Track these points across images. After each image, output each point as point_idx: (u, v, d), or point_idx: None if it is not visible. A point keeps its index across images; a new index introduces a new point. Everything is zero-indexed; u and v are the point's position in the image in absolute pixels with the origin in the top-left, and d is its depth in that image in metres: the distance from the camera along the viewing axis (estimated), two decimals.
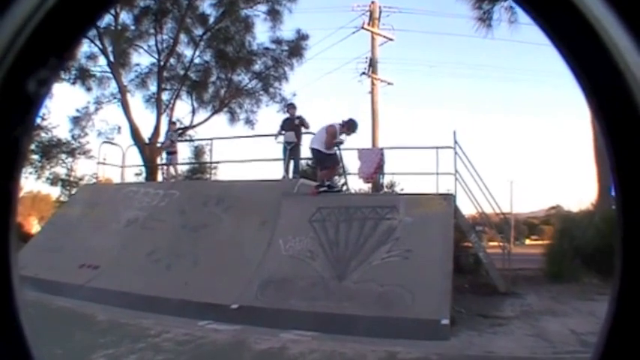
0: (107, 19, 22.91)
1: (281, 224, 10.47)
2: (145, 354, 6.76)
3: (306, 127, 14.23)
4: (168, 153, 17.99)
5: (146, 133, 24.68)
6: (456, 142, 12.98)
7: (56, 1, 0.75)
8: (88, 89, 25.56)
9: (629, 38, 0.73)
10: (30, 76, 0.76)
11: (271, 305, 8.32)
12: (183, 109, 26.19)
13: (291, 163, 14.39)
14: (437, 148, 13.78)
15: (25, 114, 0.77)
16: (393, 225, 9.85)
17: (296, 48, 24.51)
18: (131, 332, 7.87)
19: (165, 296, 9.48)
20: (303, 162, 16.11)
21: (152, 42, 24.83)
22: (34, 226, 28.18)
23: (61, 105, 62.81)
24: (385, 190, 18.29)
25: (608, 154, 0.76)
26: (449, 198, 10.94)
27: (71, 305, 9.67)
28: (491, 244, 15.75)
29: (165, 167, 19.40)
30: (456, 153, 12.86)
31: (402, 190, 19.22)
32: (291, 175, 14.17)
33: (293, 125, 14.25)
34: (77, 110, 25.83)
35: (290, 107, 15.45)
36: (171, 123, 20.33)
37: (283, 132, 14.27)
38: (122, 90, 24.62)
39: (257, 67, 24.85)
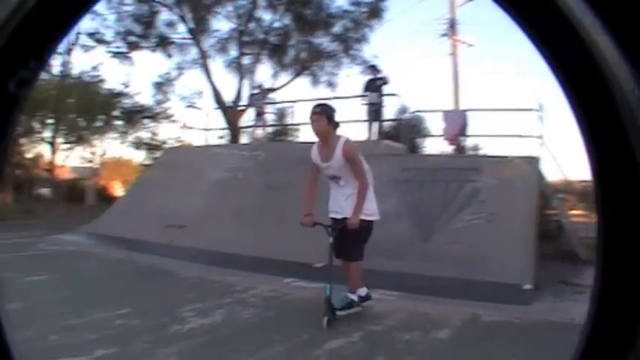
0: None
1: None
2: (232, 308, 6.98)
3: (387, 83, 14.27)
4: (257, 115, 18.19)
5: (228, 97, 25.13)
6: (540, 105, 12.68)
7: (35, 2, 0.75)
8: (169, 56, 26.22)
9: (608, 35, 0.72)
10: (10, 77, 0.75)
11: None
12: (264, 72, 26.40)
13: (375, 125, 14.39)
14: (520, 110, 13.49)
15: (5, 115, 0.77)
16: (477, 187, 9.77)
17: (375, 9, 24.20)
18: (217, 288, 8.14)
19: (250, 254, 9.73)
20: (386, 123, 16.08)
21: (230, 8, 24.97)
22: (117, 190, 29.07)
23: (143, 72, 64.24)
24: (468, 152, 18.11)
25: (587, 152, 0.76)
26: (533, 161, 10.66)
27: (158, 262, 10.02)
28: (573, 212, 15.43)
29: (250, 129, 19.61)
30: (540, 116, 12.58)
31: (485, 152, 18.97)
32: (374, 136, 14.10)
33: (375, 86, 14.20)
34: (159, 76, 26.55)
35: (372, 69, 15.34)
36: (260, 87, 20.49)
37: (367, 93, 14.21)
38: (203, 55, 25.02)
39: (337, 29, 24.69)
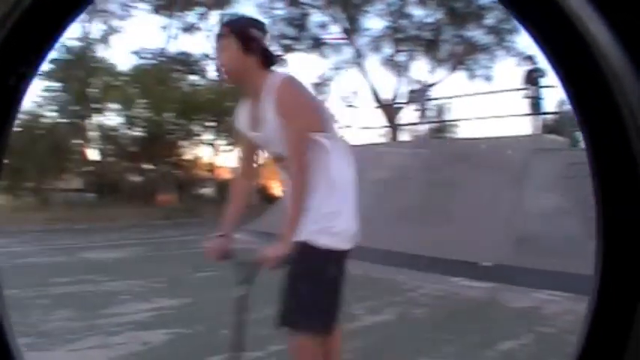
0: None
1: (531, 180, 10.29)
2: (403, 306, 7.10)
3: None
4: (418, 111, 18.09)
5: (386, 95, 25.37)
6: None
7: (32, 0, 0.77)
8: (324, 57, 26.85)
9: (609, 34, 0.72)
10: (10, 72, 0.78)
11: (522, 264, 8.24)
12: (420, 68, 26.20)
13: (536, 118, 13.88)
14: None
15: (5, 108, 0.79)
16: None
17: None
18: (386, 286, 8.27)
19: (416, 253, 9.72)
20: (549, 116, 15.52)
21: (380, 6, 25.01)
22: (277, 189, 30.22)
23: (299, 73, 66.28)
24: None
25: (588, 151, 0.78)
26: None
27: None
28: None
29: (411, 126, 19.54)
30: None
31: None
32: (537, 130, 13.62)
33: (533, 78, 13.77)
34: (317, 77, 27.14)
35: (529, 60, 14.69)
36: (419, 83, 20.42)
37: (528, 86, 13.82)
38: (358, 54, 25.52)
39: (489, 21, 24.10)
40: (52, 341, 5.32)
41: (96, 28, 23.71)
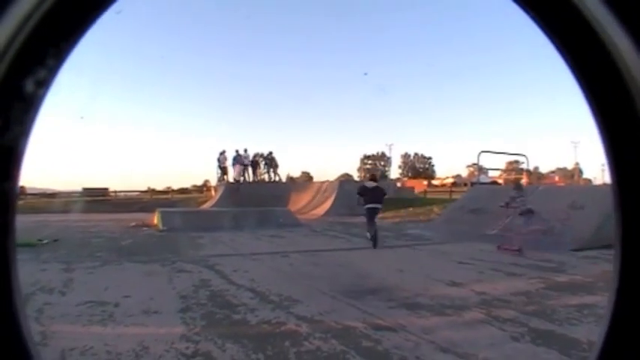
0: None
1: None
2: None
3: None
4: None
5: None
6: None
7: (54, 1, 0.77)
8: None
9: (629, 38, 0.74)
10: (28, 75, 0.77)
11: None
12: None
13: None
14: None
15: (23, 114, 0.78)
16: None
17: None
18: None
19: None
20: None
21: None
22: None
23: None
24: None
25: (606, 154, 0.79)
26: None
27: None
28: None
29: None
30: None
31: None
32: None
33: None
34: None
35: None
36: None
37: None
38: None
39: None
40: None
41: None
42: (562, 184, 48.84)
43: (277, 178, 39.89)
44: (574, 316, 7.38)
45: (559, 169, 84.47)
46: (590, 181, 60.13)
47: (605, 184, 30.28)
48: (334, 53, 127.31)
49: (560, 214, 16.66)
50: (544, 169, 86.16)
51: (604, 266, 11.83)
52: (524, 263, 12.40)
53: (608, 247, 14.57)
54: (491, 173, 42.32)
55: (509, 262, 12.74)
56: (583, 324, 6.97)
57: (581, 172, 60.17)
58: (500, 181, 41.89)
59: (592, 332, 6.47)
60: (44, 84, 0.79)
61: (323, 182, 37.66)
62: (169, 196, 49.05)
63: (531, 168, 42.40)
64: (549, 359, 5.66)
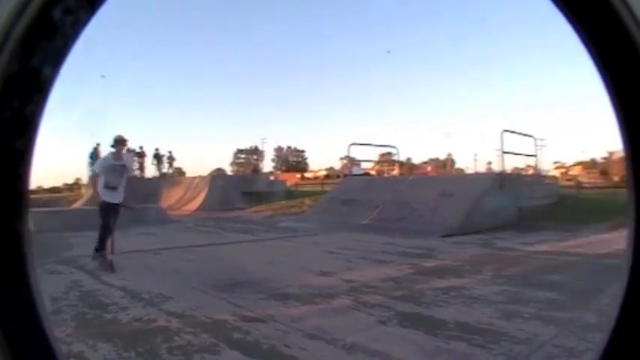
0: None
1: None
2: None
3: None
4: None
5: None
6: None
7: None
8: None
9: None
10: (37, 53, 0.80)
11: None
12: None
13: None
14: None
15: (34, 94, 0.81)
16: None
17: None
18: None
19: None
20: None
21: None
22: None
23: None
24: None
25: (625, 148, 0.81)
26: None
27: None
28: None
29: None
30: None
31: None
32: None
33: None
34: None
35: None
36: None
37: None
38: None
39: None
40: None
41: None
42: (434, 174, 50.88)
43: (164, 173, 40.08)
44: (441, 298, 7.72)
45: (432, 160, 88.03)
46: (462, 170, 63.09)
47: (477, 173, 31.73)
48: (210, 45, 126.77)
49: (431, 203, 17.33)
50: (418, 160, 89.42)
51: (472, 251, 12.46)
52: (394, 251, 12.78)
53: (476, 232, 15.34)
54: (364, 165, 43.51)
55: (379, 250, 13.10)
56: (450, 305, 7.32)
57: (453, 162, 62.81)
58: (373, 172, 43.12)
59: (458, 313, 6.90)
60: (55, 62, 0.82)
61: (194, 177, 37.41)
62: (40, 195, 46.69)
63: (404, 159, 43.90)
64: (415, 339, 5.86)
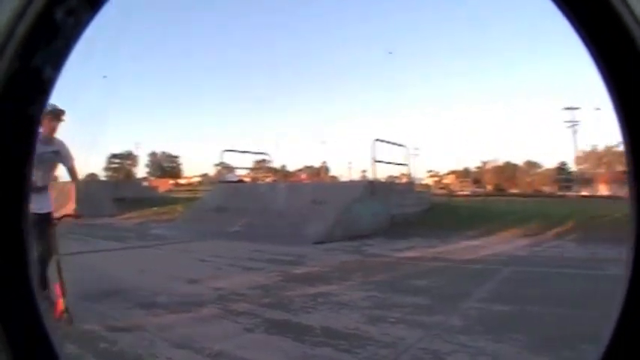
0: None
1: None
2: None
3: None
4: None
5: None
6: None
7: None
8: None
9: None
10: (39, 52, 0.80)
11: None
12: None
13: None
14: None
15: (37, 94, 0.81)
16: None
17: None
18: None
19: None
20: None
21: None
22: None
23: None
24: None
25: (626, 155, 0.82)
26: None
27: None
28: None
29: None
30: None
31: None
32: None
33: None
34: None
35: None
36: None
37: None
38: None
39: None
40: None
41: None
42: (308, 181, 51.60)
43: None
44: (309, 304, 7.76)
45: (307, 168, 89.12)
46: (336, 178, 64.21)
47: (350, 181, 32.35)
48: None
49: (303, 210, 17.45)
50: (294, 168, 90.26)
51: (342, 257, 12.63)
52: (264, 258, 12.80)
53: (348, 239, 15.55)
54: (238, 172, 43.46)
55: (249, 257, 13.07)
56: (317, 312, 7.38)
57: (327, 169, 63.88)
58: (248, 179, 43.14)
59: (325, 319, 6.95)
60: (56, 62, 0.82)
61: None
62: None
63: (279, 166, 44.26)
64: (282, 346, 5.87)
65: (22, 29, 0.79)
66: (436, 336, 6.12)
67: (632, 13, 0.78)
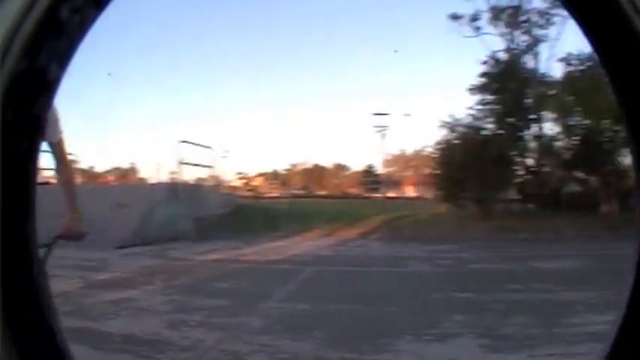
0: None
1: None
2: None
3: None
4: None
5: None
6: None
7: None
8: None
9: None
10: (45, 50, 0.79)
11: None
12: None
13: None
14: None
15: (42, 93, 0.81)
16: None
17: None
18: None
19: None
20: None
21: None
22: None
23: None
24: None
25: (632, 154, 0.83)
26: None
27: None
28: None
29: None
30: None
31: None
32: None
33: None
34: None
35: None
36: None
37: None
38: None
39: None
40: (510, 345, 5.93)
41: (520, 39, 25.21)
42: (115, 183, 49.90)
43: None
44: (110, 311, 7.65)
45: (115, 169, 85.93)
46: (144, 180, 62.53)
47: (158, 183, 31.75)
48: None
49: (106, 213, 16.99)
50: (102, 169, 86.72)
51: (144, 262, 12.53)
52: (65, 264, 12.22)
53: (151, 243, 15.34)
54: (45, 173, 41.44)
55: (47, 263, 12.42)
56: (118, 317, 7.31)
57: (136, 171, 62.03)
58: (54, 180, 41.31)
59: (126, 325, 6.91)
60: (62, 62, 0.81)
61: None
62: None
63: (86, 167, 42.49)
64: (78, 354, 5.68)
65: (27, 27, 0.78)
66: (236, 337, 6.26)
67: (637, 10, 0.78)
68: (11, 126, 0.78)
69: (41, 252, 2.77)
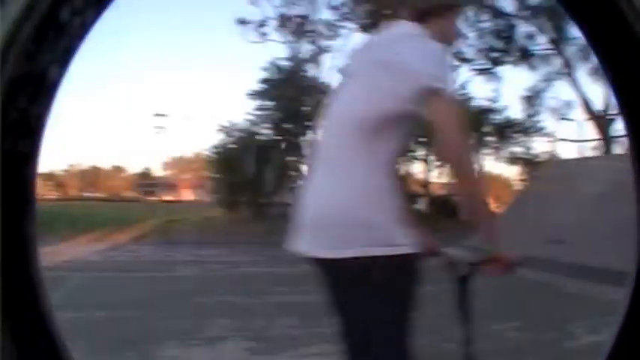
0: None
1: None
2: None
3: None
4: None
5: (598, 106, 25.49)
6: None
7: None
8: (533, 68, 26.87)
9: None
10: (45, 52, 0.81)
11: None
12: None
13: None
14: None
15: (43, 94, 0.82)
16: None
17: None
18: (602, 305, 7.21)
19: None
20: None
21: None
22: (491, 205, 28.00)
23: (509, 86, 55.95)
24: None
25: (630, 151, 0.88)
26: None
27: (540, 277, 10.37)
28: None
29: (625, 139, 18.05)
30: None
31: None
32: None
33: None
34: (526, 90, 27.19)
35: None
36: None
37: None
38: (567, 65, 25.76)
39: None
40: (275, 346, 6.15)
41: (305, 48, 26.01)
42: None
43: None
44: None
45: None
46: None
47: None
48: None
49: None
50: None
51: None
52: None
53: None
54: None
55: None
56: None
57: None
58: None
59: None
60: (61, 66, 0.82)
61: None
62: None
63: None
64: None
65: (28, 29, 0.78)
66: None
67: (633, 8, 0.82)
68: (11, 126, 0.80)
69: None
